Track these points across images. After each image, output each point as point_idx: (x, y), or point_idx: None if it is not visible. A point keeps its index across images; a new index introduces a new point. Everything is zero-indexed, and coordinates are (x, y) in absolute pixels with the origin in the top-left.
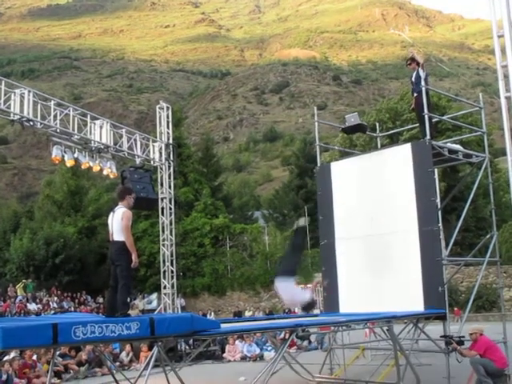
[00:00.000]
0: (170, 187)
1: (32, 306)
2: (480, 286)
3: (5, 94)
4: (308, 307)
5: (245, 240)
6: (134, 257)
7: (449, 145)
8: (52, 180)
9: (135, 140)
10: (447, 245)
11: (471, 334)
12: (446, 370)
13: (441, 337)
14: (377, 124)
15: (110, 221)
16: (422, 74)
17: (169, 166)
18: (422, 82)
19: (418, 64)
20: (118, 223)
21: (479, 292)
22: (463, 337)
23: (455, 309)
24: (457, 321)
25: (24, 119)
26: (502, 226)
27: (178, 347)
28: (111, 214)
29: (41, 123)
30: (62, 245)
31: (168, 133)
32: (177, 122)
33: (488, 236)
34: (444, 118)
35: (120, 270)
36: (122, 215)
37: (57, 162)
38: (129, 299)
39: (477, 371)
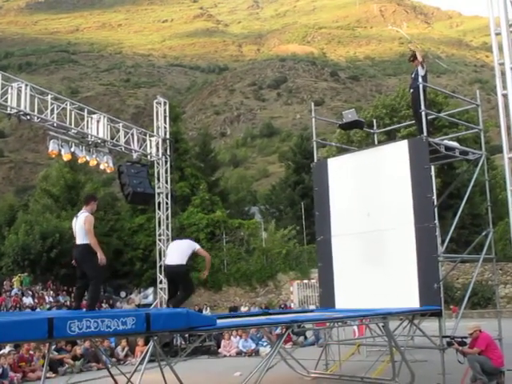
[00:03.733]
0: (166, 182)
1: (28, 300)
2: (475, 283)
3: (2, 88)
4: None
5: (241, 235)
6: (99, 255)
7: (445, 142)
8: (48, 174)
9: (132, 135)
10: (443, 242)
11: (471, 333)
12: (441, 366)
13: (443, 337)
14: (374, 120)
15: (73, 225)
16: (421, 71)
17: (165, 161)
18: (420, 79)
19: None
20: (80, 227)
21: (475, 289)
22: (465, 337)
23: (451, 307)
24: (451, 318)
25: (21, 113)
26: (498, 223)
27: (174, 342)
28: (75, 218)
29: (38, 117)
30: (58, 239)
31: (165, 127)
32: (175, 117)
33: (484, 233)
34: (440, 114)
35: (88, 271)
36: (84, 220)
37: (53, 156)
38: (98, 296)
39: (473, 368)
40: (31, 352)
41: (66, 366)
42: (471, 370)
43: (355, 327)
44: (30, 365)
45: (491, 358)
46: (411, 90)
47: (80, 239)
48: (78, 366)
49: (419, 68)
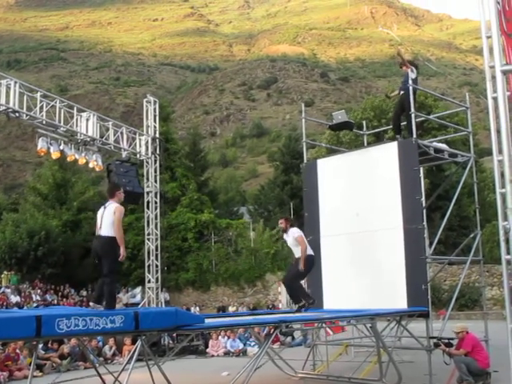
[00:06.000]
0: (155, 181)
1: (15, 299)
2: (463, 285)
3: None
4: None
5: (230, 235)
6: (122, 250)
7: (435, 144)
8: (42, 173)
9: (122, 133)
10: (431, 243)
11: (458, 332)
12: (427, 367)
13: (430, 338)
14: (363, 122)
15: (99, 215)
16: (412, 75)
17: (155, 160)
18: (410, 82)
19: (407, 65)
20: (108, 218)
21: (462, 291)
22: (452, 339)
23: (439, 311)
24: (439, 319)
25: (10, 110)
26: (486, 226)
27: (162, 341)
28: (102, 208)
29: (27, 115)
30: (45, 237)
31: (155, 127)
32: (165, 116)
33: (472, 235)
34: (430, 117)
35: (106, 264)
36: (114, 209)
37: (42, 154)
38: (116, 293)
39: (459, 369)
40: (17, 351)
41: (50, 364)
42: (457, 371)
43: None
44: (17, 363)
45: (477, 359)
46: (401, 92)
47: (105, 230)
48: (65, 365)
49: (409, 72)
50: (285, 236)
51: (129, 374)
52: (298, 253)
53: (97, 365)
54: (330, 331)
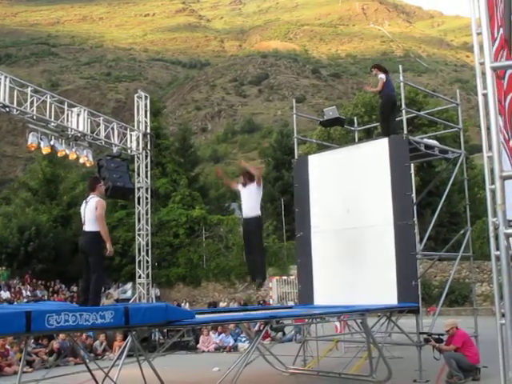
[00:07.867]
0: (146, 177)
1: (5, 294)
2: (453, 281)
3: None
4: None
5: (221, 231)
6: (108, 245)
7: (425, 140)
8: (35, 168)
9: (112, 129)
10: (421, 239)
11: (448, 330)
12: (417, 362)
13: (420, 334)
14: (355, 118)
15: (82, 211)
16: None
17: (146, 156)
18: (401, 77)
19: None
20: (91, 213)
21: (452, 287)
22: (442, 334)
23: (429, 308)
24: (429, 315)
25: (0, 105)
26: (476, 222)
27: (152, 337)
28: (84, 204)
29: (17, 110)
30: (35, 232)
31: (146, 122)
32: (156, 112)
33: (462, 231)
34: (421, 113)
35: (92, 260)
36: (95, 204)
37: (33, 149)
38: (102, 290)
39: (449, 365)
40: (7, 346)
41: (40, 360)
42: (447, 367)
43: (337, 323)
44: (7, 359)
45: (467, 354)
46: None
47: (89, 226)
48: (55, 361)
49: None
50: (241, 189)
51: (119, 370)
52: (251, 210)
53: (87, 360)
54: (339, 327)
